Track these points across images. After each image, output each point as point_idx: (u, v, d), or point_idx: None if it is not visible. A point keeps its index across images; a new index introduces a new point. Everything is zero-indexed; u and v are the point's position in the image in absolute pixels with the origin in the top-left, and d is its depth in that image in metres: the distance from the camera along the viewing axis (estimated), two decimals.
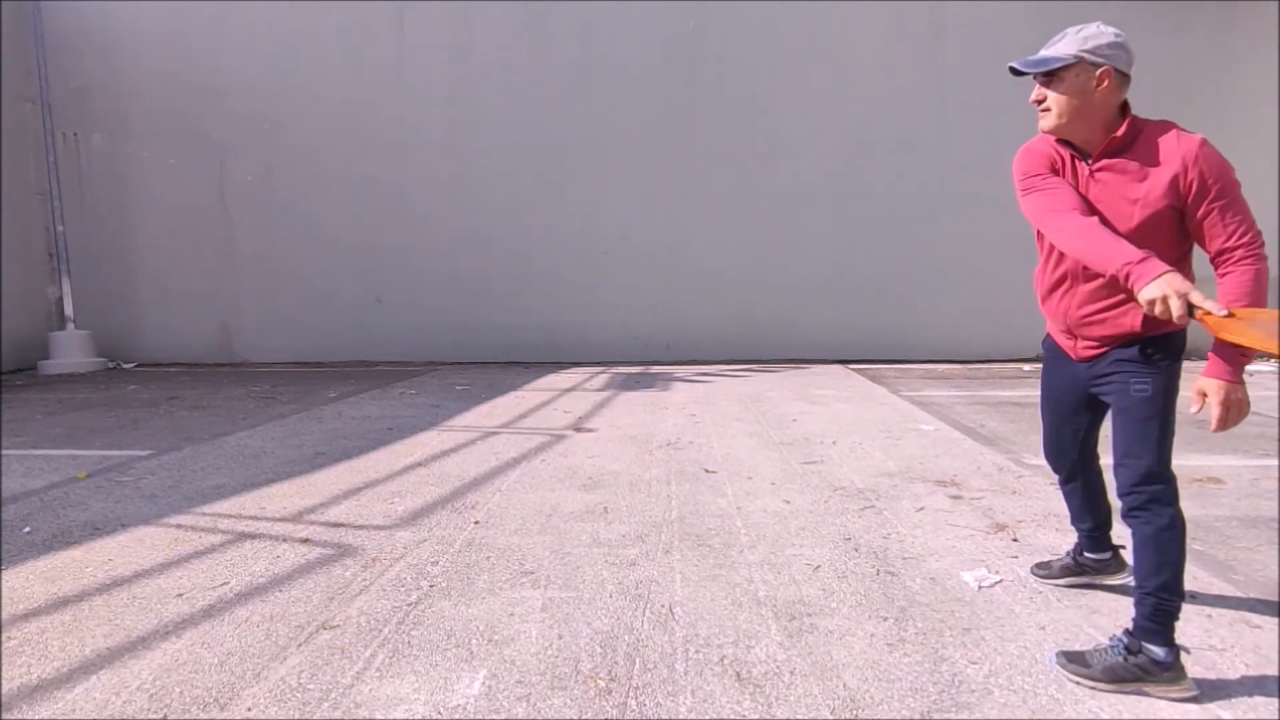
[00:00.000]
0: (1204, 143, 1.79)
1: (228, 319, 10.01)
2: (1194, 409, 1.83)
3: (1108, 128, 1.86)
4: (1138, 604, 1.89)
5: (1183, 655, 1.86)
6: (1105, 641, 1.97)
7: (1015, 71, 1.90)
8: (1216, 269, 1.81)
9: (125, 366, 9.79)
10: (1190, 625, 2.21)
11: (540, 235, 9.62)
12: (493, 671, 2.01)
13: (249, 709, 1.85)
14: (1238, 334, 1.60)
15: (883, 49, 9.25)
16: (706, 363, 9.39)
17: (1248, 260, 1.75)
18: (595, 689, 1.92)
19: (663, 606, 2.39)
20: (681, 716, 1.80)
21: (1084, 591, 2.44)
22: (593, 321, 9.61)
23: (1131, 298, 1.71)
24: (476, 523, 3.25)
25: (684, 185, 9.54)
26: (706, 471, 4.08)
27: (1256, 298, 1.72)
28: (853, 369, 8.73)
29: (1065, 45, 1.84)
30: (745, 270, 9.52)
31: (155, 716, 1.82)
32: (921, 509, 3.37)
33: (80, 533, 3.18)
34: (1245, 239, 1.75)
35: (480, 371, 8.83)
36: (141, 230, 9.88)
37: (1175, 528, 1.88)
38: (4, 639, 2.22)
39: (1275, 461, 4.16)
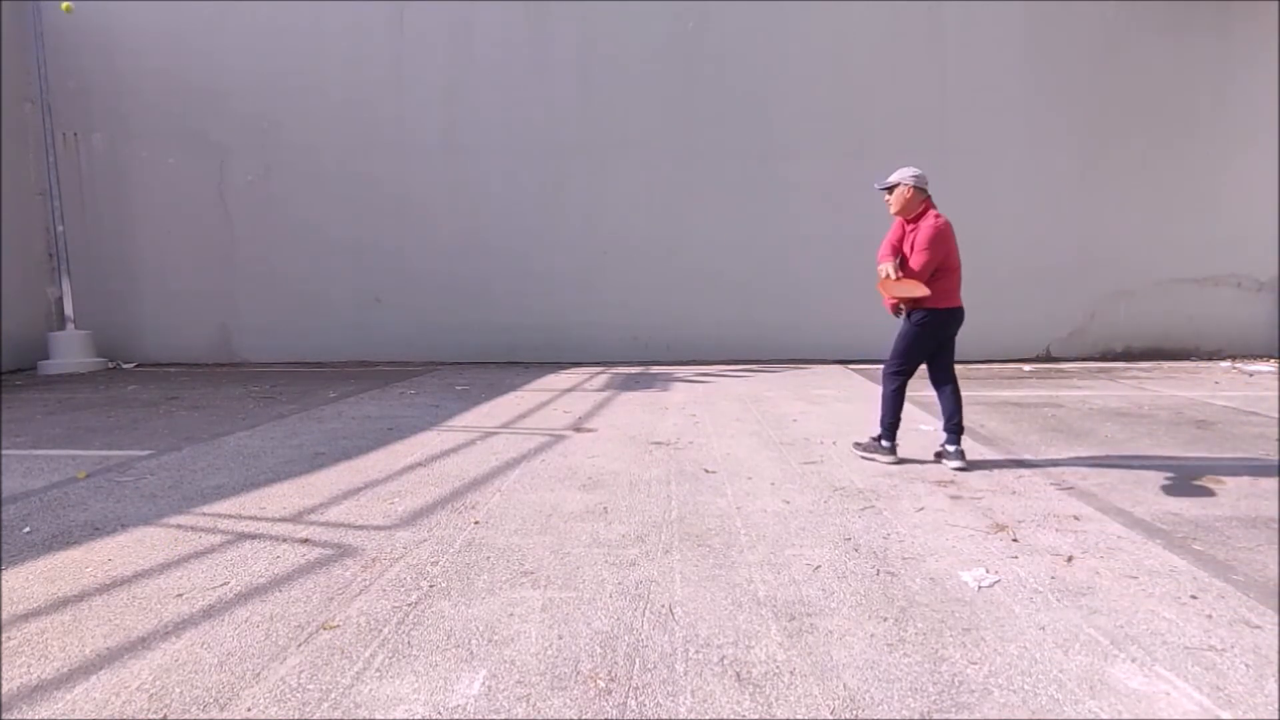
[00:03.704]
0: (930, 224, 3.95)
1: (227, 319, 10.01)
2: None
3: (908, 211, 4.03)
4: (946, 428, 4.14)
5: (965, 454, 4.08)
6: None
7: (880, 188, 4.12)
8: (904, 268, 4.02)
9: (125, 366, 9.80)
10: (1190, 625, 2.22)
11: (540, 235, 9.62)
12: (493, 671, 2.01)
13: (249, 709, 1.85)
14: (893, 289, 3.95)
15: (883, 49, 9.26)
16: (706, 363, 9.40)
17: (912, 268, 3.96)
18: (595, 689, 1.92)
19: (663, 607, 2.39)
20: (681, 717, 1.80)
21: (1084, 593, 2.45)
22: (593, 321, 9.62)
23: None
24: (476, 523, 3.25)
25: (684, 185, 9.54)
26: (706, 472, 4.08)
27: (911, 279, 3.92)
28: (853, 369, 8.73)
29: (893, 177, 4.02)
30: (745, 270, 9.53)
31: (155, 717, 1.82)
32: (921, 509, 3.37)
33: (80, 533, 3.17)
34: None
35: (480, 371, 8.83)
36: (141, 230, 9.89)
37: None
38: (4, 639, 2.22)
39: (1275, 461, 4.17)
